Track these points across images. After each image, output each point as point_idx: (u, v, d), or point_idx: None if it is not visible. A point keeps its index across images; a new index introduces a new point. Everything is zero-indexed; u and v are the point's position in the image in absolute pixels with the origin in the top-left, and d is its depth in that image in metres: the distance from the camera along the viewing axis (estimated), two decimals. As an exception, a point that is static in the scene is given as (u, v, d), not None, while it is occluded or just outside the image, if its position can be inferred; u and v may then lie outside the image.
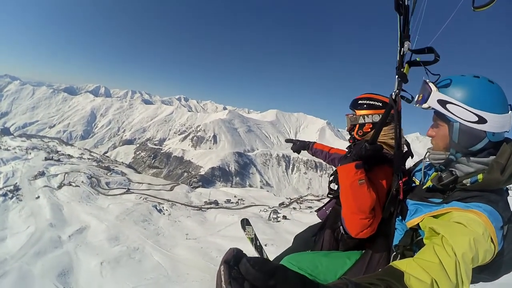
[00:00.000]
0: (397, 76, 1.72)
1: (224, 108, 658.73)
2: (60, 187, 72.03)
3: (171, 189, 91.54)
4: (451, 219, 1.34)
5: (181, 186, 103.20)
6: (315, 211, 2.83)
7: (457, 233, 1.24)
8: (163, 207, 65.72)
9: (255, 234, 4.99)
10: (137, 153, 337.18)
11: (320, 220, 2.66)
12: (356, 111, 2.40)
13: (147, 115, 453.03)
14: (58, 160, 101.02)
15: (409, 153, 2.12)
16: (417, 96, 1.66)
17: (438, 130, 1.61)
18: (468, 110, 1.43)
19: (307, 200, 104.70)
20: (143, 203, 65.72)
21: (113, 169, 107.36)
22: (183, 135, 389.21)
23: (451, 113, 1.47)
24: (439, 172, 1.62)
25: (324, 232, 2.41)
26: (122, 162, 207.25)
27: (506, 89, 1.58)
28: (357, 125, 2.39)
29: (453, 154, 1.55)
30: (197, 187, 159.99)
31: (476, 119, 1.42)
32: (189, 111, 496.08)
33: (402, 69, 1.71)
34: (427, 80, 1.59)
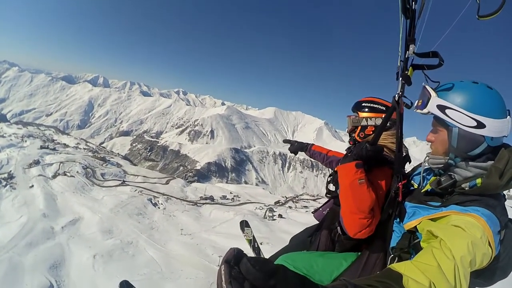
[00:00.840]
0: (400, 79, 1.76)
1: (223, 104, 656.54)
2: (54, 176, 71.48)
3: (167, 183, 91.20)
4: (450, 222, 1.35)
5: (176, 180, 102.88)
6: (312, 212, 2.85)
7: (455, 236, 1.24)
8: (158, 201, 65.31)
9: (253, 236, 5.00)
10: (134, 145, 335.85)
11: (317, 221, 2.65)
12: (359, 113, 2.38)
13: (145, 107, 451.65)
14: (54, 149, 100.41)
15: (408, 158, 2.11)
16: (416, 101, 1.68)
17: (437, 135, 1.62)
18: (467, 115, 1.45)
19: (302, 199, 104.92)
20: (138, 196, 65.26)
21: (109, 160, 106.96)
22: (180, 129, 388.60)
23: (450, 118, 1.49)
24: (438, 176, 1.64)
25: (321, 233, 2.41)
26: (118, 153, 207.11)
27: (505, 94, 1.58)
28: (359, 127, 2.38)
29: (452, 159, 1.57)
30: (193, 181, 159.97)
31: (475, 124, 1.43)
32: (187, 105, 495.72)
33: (406, 72, 1.72)
34: (426, 86, 1.60)
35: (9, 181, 62.98)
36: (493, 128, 1.42)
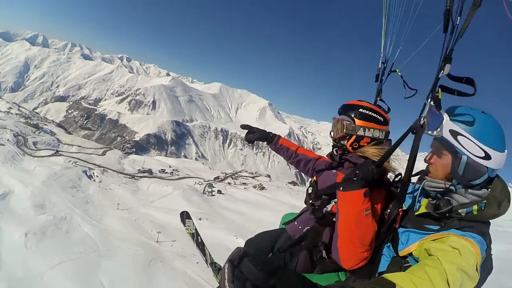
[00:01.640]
0: (429, 100, 1.52)
1: (168, 74, 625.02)
2: (-18, 145, 63.42)
3: (103, 154, 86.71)
4: (448, 243, 1.37)
5: (113, 151, 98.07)
6: (284, 224, 2.58)
7: (451, 259, 1.29)
8: (93, 173, 61.59)
9: (196, 229, 4.59)
10: (69, 111, 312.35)
11: (292, 236, 2.36)
12: (356, 120, 2.19)
13: (84, 71, 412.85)
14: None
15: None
16: (420, 119, 1.55)
17: (440, 159, 1.62)
18: (477, 145, 1.46)
19: (241, 176, 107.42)
20: (72, 168, 60.79)
21: (42, 128, 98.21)
22: (121, 97, 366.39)
23: (461, 145, 1.48)
24: (432, 199, 1.65)
25: (300, 253, 2.17)
26: (52, 120, 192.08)
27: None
28: (354, 136, 2.21)
29: (454, 185, 1.59)
30: (131, 153, 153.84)
31: (483, 155, 1.46)
32: (130, 72, 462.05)
33: (436, 92, 1.52)
34: (439, 107, 1.52)
35: None
36: (497, 160, 1.47)
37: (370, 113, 2.18)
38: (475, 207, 1.49)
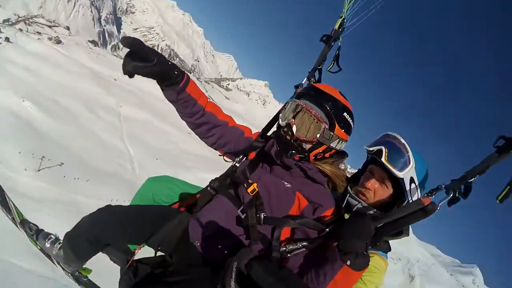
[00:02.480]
0: (450, 195, 1.20)
1: None
2: None
3: None
4: (371, 263, 1.35)
5: None
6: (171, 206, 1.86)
7: (371, 276, 1.53)
8: None
9: None
10: None
11: (194, 245, 1.50)
12: (337, 126, 1.52)
13: None
14: None
15: None
16: (381, 150, 1.48)
17: (382, 189, 1.57)
18: (418, 194, 1.51)
19: (37, 23, 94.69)
20: None
21: None
22: None
23: (410, 192, 1.49)
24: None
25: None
26: None
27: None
28: (325, 146, 1.55)
29: (377, 213, 1.51)
30: None
31: (416, 199, 1.39)
32: None
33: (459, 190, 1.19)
34: (407, 148, 1.48)
35: None
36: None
37: (349, 120, 1.58)
38: None
